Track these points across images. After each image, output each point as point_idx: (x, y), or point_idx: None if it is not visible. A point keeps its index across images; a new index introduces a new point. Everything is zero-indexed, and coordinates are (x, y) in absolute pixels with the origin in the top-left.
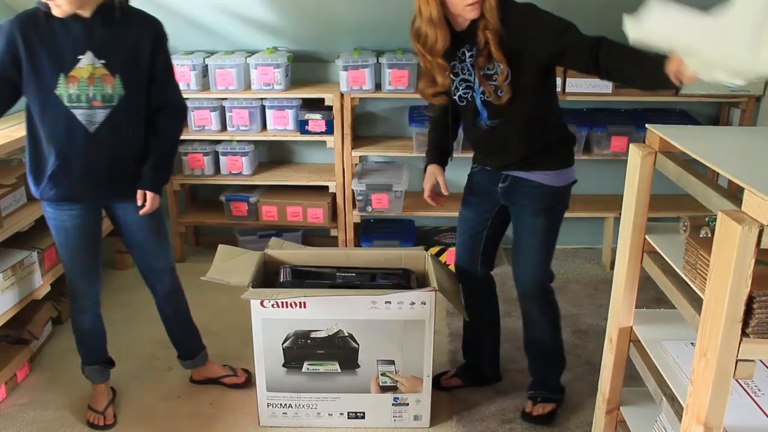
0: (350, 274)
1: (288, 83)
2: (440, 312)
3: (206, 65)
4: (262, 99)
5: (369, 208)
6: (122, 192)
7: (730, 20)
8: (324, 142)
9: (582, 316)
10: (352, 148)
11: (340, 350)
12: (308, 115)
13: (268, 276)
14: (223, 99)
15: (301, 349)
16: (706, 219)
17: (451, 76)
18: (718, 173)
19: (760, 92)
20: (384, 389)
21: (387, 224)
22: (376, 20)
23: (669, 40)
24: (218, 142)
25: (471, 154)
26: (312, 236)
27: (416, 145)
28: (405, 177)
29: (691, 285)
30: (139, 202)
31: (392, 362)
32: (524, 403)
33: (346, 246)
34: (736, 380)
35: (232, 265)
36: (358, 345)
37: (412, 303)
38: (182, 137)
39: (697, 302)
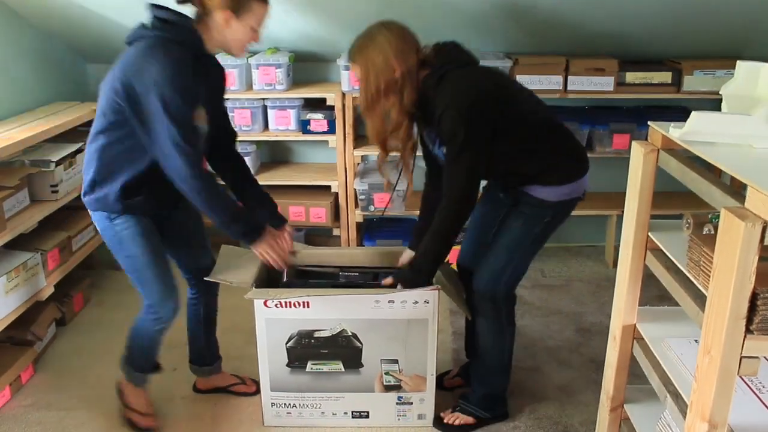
0: (353, 274)
1: (289, 83)
2: (444, 311)
3: None
4: (263, 99)
5: (372, 208)
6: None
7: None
8: (326, 142)
9: (585, 314)
10: (354, 148)
11: (344, 350)
12: (310, 115)
13: (271, 276)
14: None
15: (304, 349)
16: (709, 216)
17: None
18: (721, 170)
19: None
20: (388, 388)
21: (389, 223)
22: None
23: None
24: None
25: None
26: (315, 236)
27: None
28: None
29: (695, 282)
30: None
31: (396, 361)
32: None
33: (348, 245)
34: (741, 377)
35: (235, 265)
36: (361, 344)
37: (416, 302)
38: None
39: (700, 299)
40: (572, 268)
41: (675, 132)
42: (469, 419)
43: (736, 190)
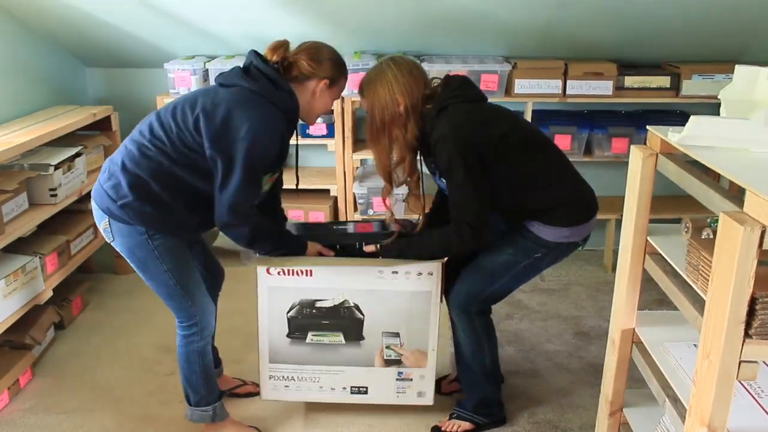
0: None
1: None
2: (444, 315)
3: (207, 69)
4: None
5: (371, 211)
6: None
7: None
8: (325, 146)
9: (584, 318)
10: (353, 152)
11: (345, 321)
12: None
13: None
14: None
15: (306, 319)
16: (708, 220)
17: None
18: (719, 174)
19: None
20: (388, 363)
21: None
22: (376, 24)
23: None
24: None
25: None
26: None
27: None
28: None
29: (694, 286)
30: None
31: (397, 335)
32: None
33: None
34: (740, 382)
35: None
36: (363, 316)
37: (419, 273)
38: None
39: (699, 304)
40: (571, 272)
41: (674, 136)
42: (468, 425)
43: (735, 194)
